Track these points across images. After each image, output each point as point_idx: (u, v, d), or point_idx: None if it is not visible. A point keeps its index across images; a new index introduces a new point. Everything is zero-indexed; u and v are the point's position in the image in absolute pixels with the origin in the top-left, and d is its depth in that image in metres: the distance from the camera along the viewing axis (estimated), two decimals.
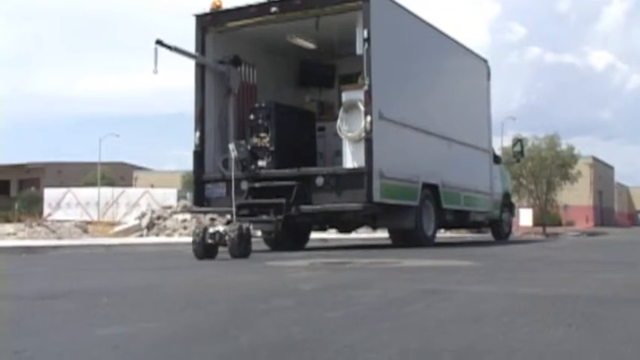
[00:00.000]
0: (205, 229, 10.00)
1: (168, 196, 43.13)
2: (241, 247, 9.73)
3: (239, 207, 12.62)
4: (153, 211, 25.35)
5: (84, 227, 24.53)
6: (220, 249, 9.98)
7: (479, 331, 3.44)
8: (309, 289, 5.44)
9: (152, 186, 56.06)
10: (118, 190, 50.10)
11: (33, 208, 46.00)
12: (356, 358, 2.74)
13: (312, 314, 3.95)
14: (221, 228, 10.07)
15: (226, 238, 9.72)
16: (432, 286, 5.67)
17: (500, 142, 39.59)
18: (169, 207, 27.54)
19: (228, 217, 13.66)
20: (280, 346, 3.02)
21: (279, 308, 4.25)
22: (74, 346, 3.06)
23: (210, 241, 9.85)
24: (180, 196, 39.56)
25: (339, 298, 4.91)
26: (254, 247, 10.29)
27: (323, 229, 16.47)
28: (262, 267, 8.37)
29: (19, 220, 28.90)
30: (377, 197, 12.32)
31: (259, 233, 14.97)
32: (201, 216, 21.78)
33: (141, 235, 23.00)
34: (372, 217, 13.72)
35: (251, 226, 14.98)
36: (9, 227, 23.42)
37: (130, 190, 51.76)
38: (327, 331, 3.42)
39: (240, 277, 6.95)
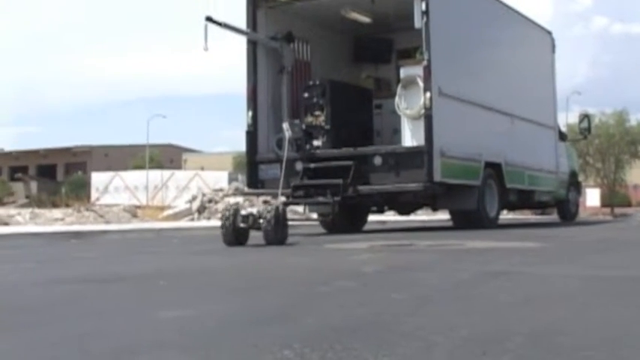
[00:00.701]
0: (237, 211, 9.22)
1: (219, 178, 43.45)
2: (278, 232, 8.98)
3: (294, 188, 12.71)
4: (204, 194, 25.58)
5: (133, 211, 24.83)
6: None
7: (551, 313, 3.44)
8: (372, 271, 5.49)
9: (202, 168, 56.54)
10: (167, 173, 50.65)
11: (80, 192, 46.78)
12: (425, 340, 2.77)
13: (376, 296, 3.99)
14: (254, 210, 9.49)
15: (261, 221, 8.96)
16: (498, 268, 5.67)
17: (566, 118, 39.15)
18: (221, 190, 27.77)
19: (283, 199, 13.77)
20: (346, 328, 3.06)
21: (342, 290, 4.29)
22: (138, 329, 3.14)
23: (242, 224, 9.08)
24: (232, 179, 39.86)
25: (403, 280, 4.94)
26: (310, 230, 10.33)
27: (381, 210, 16.46)
28: (320, 249, 8.43)
29: (67, 205, 29.40)
30: (437, 177, 12.29)
31: (315, 215, 15.07)
32: (254, 198, 21.95)
33: (192, 219, 23.24)
34: (432, 197, 13.69)
35: (307, 208, 15.20)
36: (57, 212, 23.81)
37: (179, 173, 52.31)
38: (393, 313, 3.46)
39: (298, 260, 7.01)
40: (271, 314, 3.48)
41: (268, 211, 8.96)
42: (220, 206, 24.20)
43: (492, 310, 3.54)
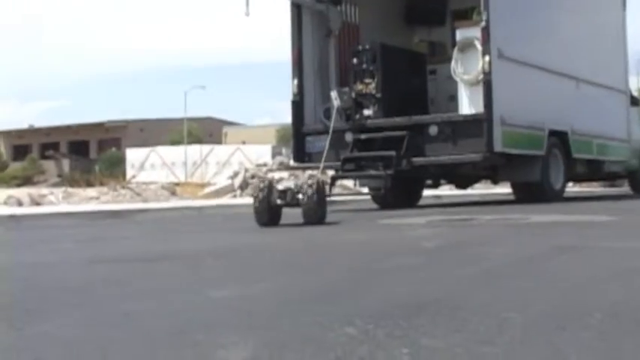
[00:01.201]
0: (271, 185, 8.75)
1: (262, 152, 43.60)
2: (319, 208, 8.52)
3: (344, 161, 12.73)
4: (246, 170, 25.69)
5: (171, 189, 24.99)
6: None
7: (631, 287, 3.43)
8: (432, 247, 5.50)
9: (244, 142, 56.78)
10: (206, 148, 50.95)
11: (115, 170, 47.20)
12: (497, 316, 2.77)
13: (440, 272, 4.00)
14: (291, 183, 8.90)
15: (300, 196, 8.49)
16: (567, 242, 5.65)
17: (638, 82, 38.58)
18: (264, 164, 27.89)
19: (332, 173, 13.79)
20: (411, 305, 3.07)
21: (403, 267, 4.31)
22: (189, 309, 3.18)
23: (279, 201, 8.60)
24: (276, 153, 39.97)
25: (467, 255, 4.95)
26: (360, 205, 10.33)
27: (436, 184, 16.44)
28: (375, 225, 8.46)
29: (102, 184, 29.70)
30: (498, 147, 12.22)
31: (366, 190, 15.08)
32: (300, 173, 22.00)
33: (234, 196, 23.35)
34: (492, 169, 13.65)
35: (357, 182, 15.21)
36: (91, 191, 24.06)
37: (219, 148, 52.58)
38: (460, 289, 3.47)
39: (352, 236, 7.05)
40: (329, 292, 3.51)
41: (309, 185, 8.48)
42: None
43: (566, 285, 3.53)
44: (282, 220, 8.81)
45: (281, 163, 26.29)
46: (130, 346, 2.49)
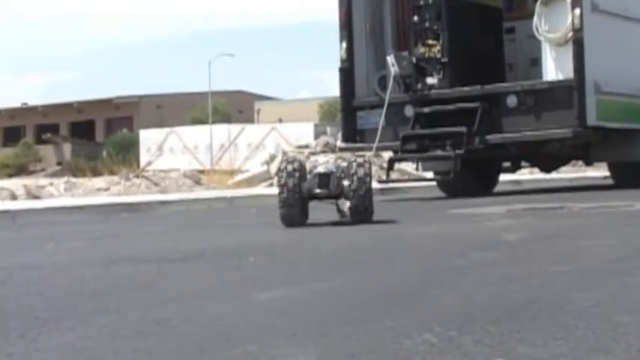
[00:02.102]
0: (303, 167, 7.85)
1: (302, 132, 43.57)
2: (369, 203, 7.59)
3: (404, 140, 12.70)
4: (284, 153, 25.74)
5: (195, 177, 25.17)
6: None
7: None
8: (516, 240, 5.50)
9: (280, 120, 56.85)
10: (236, 128, 51.02)
11: (127, 155, 47.52)
12: (608, 321, 2.77)
13: (528, 269, 4.00)
14: (332, 165, 8.30)
15: (346, 183, 7.59)
16: None
17: None
18: (306, 146, 27.91)
19: (389, 154, 13.77)
20: (499, 307, 3.07)
21: (484, 263, 4.31)
22: (232, 314, 3.21)
23: (317, 190, 7.62)
24: (320, 132, 39.96)
25: (560, 249, 4.94)
26: (424, 193, 10.28)
27: (516, 167, 16.33)
28: (445, 216, 8.46)
29: (111, 172, 29.91)
30: (592, 120, 12.13)
31: (431, 175, 15.05)
32: (349, 155, 22.01)
33: (271, 185, 23.42)
34: (584, 147, 13.54)
35: (420, 165, 15.19)
36: (99, 181, 24.28)
37: (251, 127, 52.67)
38: (557, 289, 3.46)
39: (419, 229, 7.07)
40: (400, 293, 3.52)
41: (359, 165, 7.51)
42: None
43: None
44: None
45: (326, 144, 26.31)
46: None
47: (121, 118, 73.11)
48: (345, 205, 7.67)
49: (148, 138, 53.93)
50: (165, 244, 6.85)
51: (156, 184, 22.41)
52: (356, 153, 12.58)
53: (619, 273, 3.88)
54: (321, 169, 7.71)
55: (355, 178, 7.44)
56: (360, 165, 7.49)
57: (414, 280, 3.88)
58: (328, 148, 25.38)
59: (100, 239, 7.67)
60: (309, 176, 7.67)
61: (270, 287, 3.78)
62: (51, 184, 23.11)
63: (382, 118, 12.91)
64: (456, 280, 3.72)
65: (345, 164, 7.87)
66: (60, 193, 20.95)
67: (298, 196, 7.50)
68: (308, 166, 8.21)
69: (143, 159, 48.04)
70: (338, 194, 7.60)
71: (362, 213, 7.50)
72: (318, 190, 7.51)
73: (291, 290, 3.67)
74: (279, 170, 7.70)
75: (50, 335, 2.90)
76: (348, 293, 3.60)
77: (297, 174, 7.51)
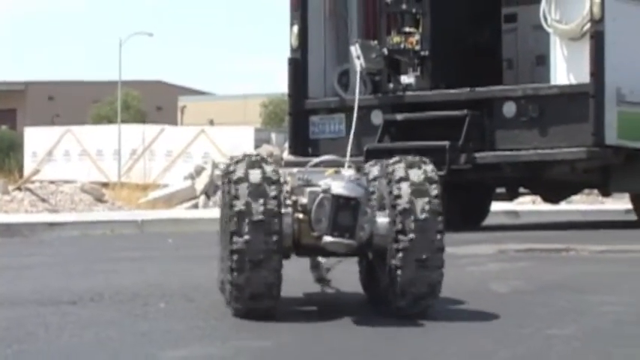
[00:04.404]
0: (278, 179, 5.03)
1: (239, 138, 43.59)
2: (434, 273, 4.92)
3: (368, 154, 12.71)
4: (215, 165, 25.74)
5: (97, 192, 25.02)
6: None
7: None
8: (507, 292, 5.55)
9: (211, 122, 56.88)
10: (152, 130, 50.87)
11: (6, 160, 47.19)
12: None
13: (520, 332, 4.03)
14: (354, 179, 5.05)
15: (381, 220, 4.96)
16: None
17: None
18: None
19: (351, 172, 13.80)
20: None
21: (461, 326, 4.35)
22: None
23: (330, 238, 4.78)
24: (261, 139, 39.94)
25: (561, 306, 4.98)
26: None
27: (513, 194, 16.42)
28: None
29: None
30: (612, 137, 12.23)
31: None
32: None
33: (195, 206, 23.41)
34: (602, 173, 13.61)
35: None
36: None
37: (173, 130, 52.54)
38: (555, 357, 3.51)
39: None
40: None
41: (419, 188, 4.91)
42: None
43: None
44: None
45: (270, 155, 26.33)
46: None
47: (2, 111, 72.63)
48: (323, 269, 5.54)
49: (36, 138, 53.52)
50: (52, 281, 6.82)
51: (43, 200, 22.26)
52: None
53: (632, 339, 3.93)
54: (339, 189, 4.86)
55: (407, 207, 4.81)
56: (418, 187, 4.87)
57: (356, 346, 3.92)
58: (273, 161, 25.36)
59: None
60: (303, 201, 5.06)
61: (185, 343, 3.80)
62: None
63: (344, 125, 12.94)
64: (421, 348, 3.75)
65: (376, 173, 5.34)
66: None
67: (277, 238, 4.73)
68: (290, 180, 5.16)
69: (28, 166, 47.70)
70: (365, 247, 5.00)
71: (418, 298, 4.78)
72: (330, 239, 4.78)
73: (211, 348, 3.69)
74: (225, 181, 4.99)
75: None
76: (284, 355, 3.63)
77: (271, 192, 4.82)
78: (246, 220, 4.51)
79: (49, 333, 4.20)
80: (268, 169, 4.84)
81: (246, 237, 4.47)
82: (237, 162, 4.82)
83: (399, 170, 4.82)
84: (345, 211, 4.74)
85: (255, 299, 4.40)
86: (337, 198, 4.67)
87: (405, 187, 4.67)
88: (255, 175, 4.67)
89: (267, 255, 4.50)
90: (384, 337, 4.02)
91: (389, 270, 4.74)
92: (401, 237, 4.58)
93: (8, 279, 7.15)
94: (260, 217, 4.52)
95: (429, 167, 4.83)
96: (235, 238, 4.47)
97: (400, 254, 4.62)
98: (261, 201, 4.59)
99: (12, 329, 4.31)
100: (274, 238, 4.54)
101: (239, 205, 4.56)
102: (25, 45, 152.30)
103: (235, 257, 4.41)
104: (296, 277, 5.27)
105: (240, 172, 4.68)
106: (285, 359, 3.58)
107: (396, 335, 3.82)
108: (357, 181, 4.94)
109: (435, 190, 4.72)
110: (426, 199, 4.68)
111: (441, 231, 4.66)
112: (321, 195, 4.79)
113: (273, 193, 4.66)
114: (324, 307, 4.91)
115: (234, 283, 4.38)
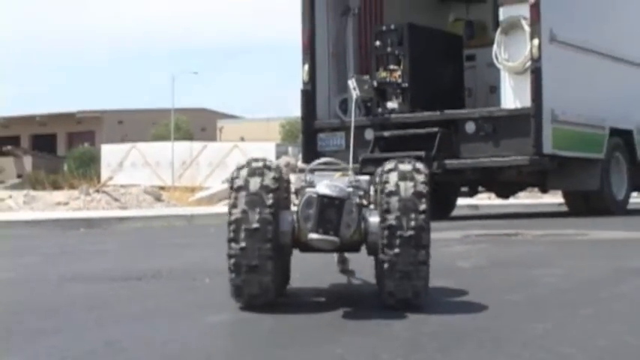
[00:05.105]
0: (281, 178, 4.12)
1: (264, 151, 43.53)
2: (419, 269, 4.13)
3: (363, 163, 12.72)
4: None
5: (156, 194, 25.05)
6: None
7: None
8: (470, 267, 5.53)
9: (242, 139, 56.87)
10: (198, 145, 50.91)
11: (88, 169, 47.26)
12: (552, 353, 2.79)
13: (480, 298, 4.00)
14: (342, 182, 4.21)
15: (373, 219, 3.98)
16: (635, 264, 5.66)
17: None
18: None
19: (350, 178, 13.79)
20: (447, 335, 3.10)
21: (434, 290, 4.32)
22: (180, 336, 3.21)
23: (315, 235, 3.91)
24: (281, 151, 39.98)
25: (514, 278, 4.97)
26: None
27: (473, 192, 16.45)
28: None
29: (72, 186, 29.73)
30: (548, 148, 12.22)
31: None
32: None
33: None
34: (541, 175, 13.62)
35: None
36: (59, 195, 24.09)
37: (213, 145, 52.53)
38: (505, 318, 3.49)
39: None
40: (347, 319, 3.52)
41: (404, 175, 4.01)
42: None
43: (636, 316, 3.55)
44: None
45: (287, 164, 26.33)
46: None
47: (83, 132, 72.86)
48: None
49: (110, 153, 53.66)
50: (121, 262, 6.81)
51: (116, 200, 22.28)
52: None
53: (568, 304, 3.91)
54: (324, 189, 3.94)
55: (394, 203, 3.86)
56: (404, 176, 3.97)
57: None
58: (289, 168, 25.37)
59: (58, 255, 7.61)
60: (297, 201, 4.16)
61: (224, 310, 3.78)
62: (10, 196, 22.91)
63: (344, 140, 12.95)
64: (405, 308, 3.72)
65: (366, 178, 4.33)
66: (19, 206, 20.78)
67: (271, 245, 3.91)
68: (294, 182, 4.31)
69: (104, 174, 47.76)
70: (355, 243, 4.12)
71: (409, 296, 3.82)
72: (315, 236, 3.90)
73: (245, 314, 3.67)
74: (232, 185, 3.97)
75: None
76: (300, 318, 3.62)
77: (268, 201, 3.92)
78: (242, 228, 3.84)
79: (121, 302, 4.20)
80: (268, 177, 3.94)
81: (242, 244, 3.84)
82: (239, 169, 3.96)
83: (391, 184, 3.87)
84: (329, 210, 3.92)
85: (253, 298, 3.86)
86: (322, 198, 3.87)
87: (393, 202, 3.78)
88: (254, 184, 3.88)
89: (262, 261, 3.83)
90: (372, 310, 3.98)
91: (376, 277, 4.08)
92: (387, 250, 3.75)
93: (88, 260, 7.16)
94: (256, 225, 3.82)
95: (421, 178, 3.88)
96: (232, 245, 3.86)
97: (386, 265, 3.76)
98: (258, 210, 3.84)
99: (91, 299, 4.31)
100: (268, 245, 3.83)
101: (236, 213, 3.86)
102: (99, 81, 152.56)
103: (232, 261, 3.85)
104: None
105: (240, 181, 3.88)
106: (300, 320, 3.53)
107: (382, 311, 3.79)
108: (349, 183, 4.08)
109: (423, 204, 3.78)
110: (413, 215, 3.74)
111: (426, 246, 3.77)
112: (307, 195, 3.96)
113: (269, 202, 3.86)
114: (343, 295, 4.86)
115: (233, 283, 3.85)
